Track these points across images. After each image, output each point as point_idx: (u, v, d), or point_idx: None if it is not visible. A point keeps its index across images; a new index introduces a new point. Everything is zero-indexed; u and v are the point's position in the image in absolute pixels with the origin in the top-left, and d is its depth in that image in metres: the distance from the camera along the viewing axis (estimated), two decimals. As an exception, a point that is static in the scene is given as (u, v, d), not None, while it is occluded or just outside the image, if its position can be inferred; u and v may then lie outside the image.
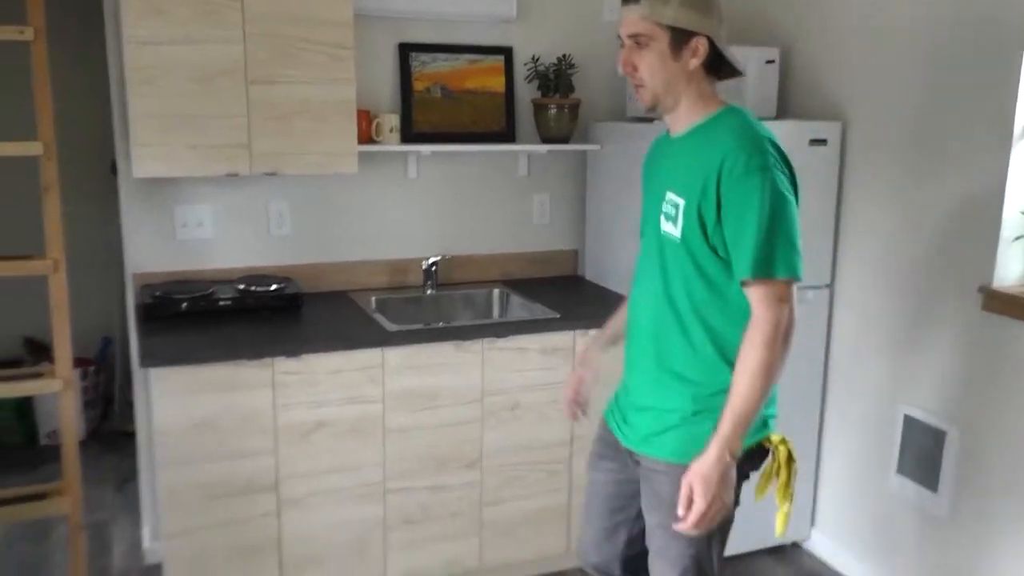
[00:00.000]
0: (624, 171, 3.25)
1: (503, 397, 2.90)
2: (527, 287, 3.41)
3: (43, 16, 2.48)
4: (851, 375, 3.17)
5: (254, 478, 2.64)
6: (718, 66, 1.86)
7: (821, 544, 3.34)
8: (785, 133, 2.99)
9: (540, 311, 3.05)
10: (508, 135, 3.40)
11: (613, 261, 3.37)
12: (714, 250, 1.77)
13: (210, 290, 2.92)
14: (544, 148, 3.36)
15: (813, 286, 3.18)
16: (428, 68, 3.28)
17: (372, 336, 2.74)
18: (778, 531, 1.88)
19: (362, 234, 3.32)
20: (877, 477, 3.05)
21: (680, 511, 1.74)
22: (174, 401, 2.52)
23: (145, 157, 2.64)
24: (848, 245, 3.18)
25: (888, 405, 2.99)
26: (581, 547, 2.18)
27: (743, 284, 1.74)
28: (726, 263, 1.77)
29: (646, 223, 1.97)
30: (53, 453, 4.33)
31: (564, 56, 3.39)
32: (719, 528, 1.83)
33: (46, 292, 4.30)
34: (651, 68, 1.78)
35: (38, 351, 4.52)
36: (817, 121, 3.15)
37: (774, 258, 1.71)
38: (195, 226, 3.10)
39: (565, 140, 3.39)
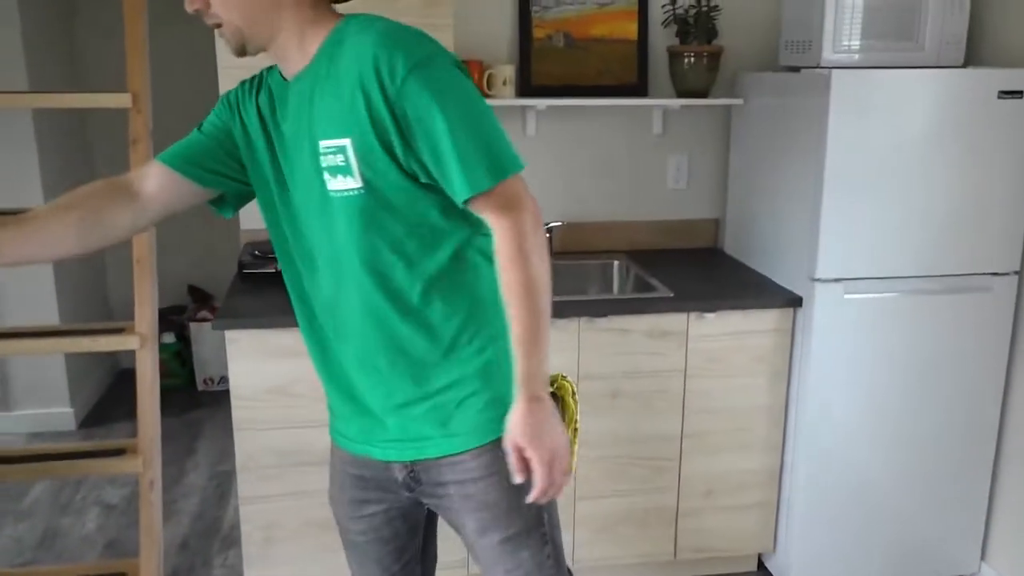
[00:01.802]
0: (774, 129, 2.80)
1: (602, 383, 2.60)
2: (655, 260, 3.05)
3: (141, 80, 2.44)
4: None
5: (326, 450, 2.52)
6: None
7: (991, 581, 2.80)
8: (960, 84, 2.51)
9: (654, 288, 2.71)
10: (640, 88, 3.04)
11: (759, 234, 2.94)
12: (414, 178, 1.39)
13: (308, 250, 2.82)
14: (678, 103, 2.96)
15: (996, 272, 2.62)
16: (550, 14, 2.98)
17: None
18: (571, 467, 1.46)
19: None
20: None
21: (519, 478, 1.36)
22: (248, 364, 2.45)
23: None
24: (1046, 225, 2.58)
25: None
26: None
27: (469, 201, 1.36)
28: (429, 188, 1.39)
29: (290, 197, 1.49)
30: (210, 397, 4.54)
31: (708, -3, 2.98)
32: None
33: (209, 241, 4.48)
34: (228, 2, 1.37)
35: (201, 298, 4.73)
36: (1012, 69, 2.54)
37: (496, 153, 1.35)
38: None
39: (703, 94, 2.98)
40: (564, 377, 1.63)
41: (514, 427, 1.35)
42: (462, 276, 1.48)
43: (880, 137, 2.49)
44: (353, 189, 1.37)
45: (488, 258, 1.47)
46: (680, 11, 2.97)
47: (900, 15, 2.68)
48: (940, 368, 2.66)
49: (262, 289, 2.67)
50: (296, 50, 1.42)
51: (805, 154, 2.59)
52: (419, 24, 2.52)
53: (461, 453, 1.52)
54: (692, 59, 2.92)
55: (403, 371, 1.49)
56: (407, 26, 1.38)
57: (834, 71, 2.45)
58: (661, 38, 3.03)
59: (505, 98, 2.90)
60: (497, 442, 1.44)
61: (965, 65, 2.71)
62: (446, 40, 2.59)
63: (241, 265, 2.76)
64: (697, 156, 3.19)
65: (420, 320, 1.46)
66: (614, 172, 3.16)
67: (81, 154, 4.45)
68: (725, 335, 2.64)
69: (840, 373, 2.61)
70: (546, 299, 1.37)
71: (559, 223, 3.05)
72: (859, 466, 2.68)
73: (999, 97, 2.51)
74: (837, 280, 2.56)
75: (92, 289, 4.55)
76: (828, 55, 2.65)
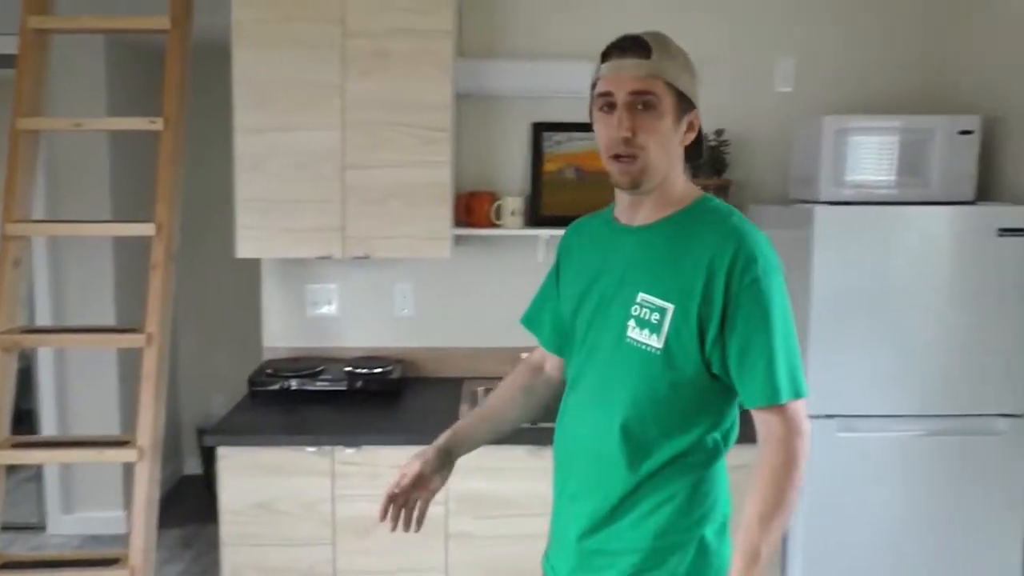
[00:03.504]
0: (784, 261, 2.78)
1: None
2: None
3: (176, 108, 2.71)
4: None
5: (312, 569, 2.58)
6: (692, 150, 1.55)
7: None
8: (958, 221, 2.45)
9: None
10: (650, 219, 3.09)
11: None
12: (707, 365, 1.44)
13: (318, 369, 2.95)
14: (683, 234, 2.99)
15: (1006, 413, 2.48)
16: (562, 148, 3.10)
17: (437, 431, 2.57)
18: None
19: (488, 319, 3.19)
20: None
21: None
22: (238, 479, 2.55)
23: (247, 239, 2.75)
24: (1058, 367, 2.44)
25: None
26: None
27: (761, 408, 1.42)
28: (714, 380, 1.46)
29: (587, 325, 1.58)
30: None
31: (718, 132, 3.04)
32: None
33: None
34: (657, 135, 1.45)
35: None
36: (1013, 206, 2.47)
37: (797, 376, 1.42)
38: (324, 304, 3.17)
39: (711, 226, 3.00)
40: None
41: None
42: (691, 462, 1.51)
43: (869, 272, 2.44)
44: (653, 347, 1.46)
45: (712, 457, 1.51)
46: (689, 145, 3.03)
47: (905, 152, 2.66)
48: (949, 515, 2.50)
49: (268, 407, 2.80)
50: (658, 201, 1.52)
51: (793, 285, 2.55)
52: (420, 161, 2.72)
53: None
54: (698, 192, 2.96)
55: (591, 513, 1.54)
56: (758, 230, 1.49)
57: (817, 206, 2.46)
58: (671, 171, 3.09)
59: (511, 228, 3.00)
60: None
61: (975, 201, 2.65)
62: (444, 175, 2.74)
63: (251, 383, 2.90)
64: (710, 286, 3.18)
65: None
66: (626, 300, 3.18)
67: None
68: (715, 471, 2.56)
69: (836, 515, 2.48)
70: (782, 522, 1.39)
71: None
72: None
73: (999, 235, 2.43)
74: (829, 416, 2.47)
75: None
76: (829, 190, 2.65)
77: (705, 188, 2.93)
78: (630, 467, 1.49)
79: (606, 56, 1.50)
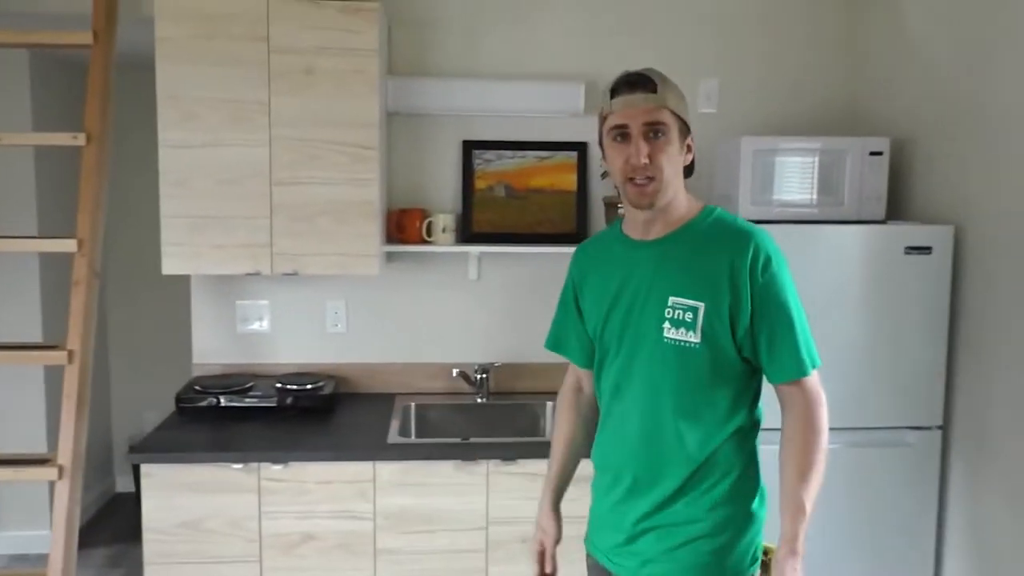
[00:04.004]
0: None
1: (512, 528, 2.60)
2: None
3: (99, 123, 2.68)
4: (973, 533, 2.49)
5: (237, 586, 2.56)
6: (686, 168, 1.76)
7: None
8: (873, 238, 2.56)
9: (573, 433, 2.72)
10: (580, 236, 3.15)
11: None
12: (739, 350, 1.67)
13: (247, 386, 2.94)
14: (610, 251, 3.05)
15: (917, 426, 2.57)
16: (492, 166, 3.14)
17: (365, 447, 2.59)
18: None
19: (420, 336, 3.21)
20: None
21: None
22: (162, 497, 2.53)
23: (173, 255, 2.73)
24: (965, 378, 2.54)
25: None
26: None
27: (788, 383, 1.66)
28: (744, 363, 1.69)
29: (619, 335, 1.75)
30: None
31: (645, 151, 3.11)
32: None
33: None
34: (671, 160, 1.67)
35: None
36: (918, 225, 2.58)
37: (813, 350, 1.68)
38: (255, 321, 3.16)
39: (638, 242, 3.06)
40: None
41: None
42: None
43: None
44: (692, 342, 1.65)
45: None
46: (616, 164, 3.10)
47: (821, 172, 2.76)
48: (861, 526, 2.58)
49: (196, 424, 2.78)
50: (669, 215, 1.71)
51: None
52: (349, 179, 2.73)
53: None
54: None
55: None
56: (762, 229, 1.70)
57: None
58: (601, 189, 3.16)
59: (443, 244, 3.03)
60: None
61: (885, 221, 2.75)
62: (372, 193, 2.76)
63: (179, 400, 2.88)
64: (638, 301, 3.24)
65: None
66: (557, 315, 3.23)
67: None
68: (638, 483, 2.62)
69: (755, 526, 2.54)
70: (819, 481, 1.62)
71: (490, 363, 3.12)
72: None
73: (905, 253, 2.53)
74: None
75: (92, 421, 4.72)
76: (747, 208, 2.73)
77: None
78: (692, 451, 1.67)
79: (615, 91, 1.68)
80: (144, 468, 2.52)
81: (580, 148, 3.15)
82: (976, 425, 2.49)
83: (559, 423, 1.98)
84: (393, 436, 2.67)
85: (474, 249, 3.05)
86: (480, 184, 3.14)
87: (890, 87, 2.97)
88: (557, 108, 3.09)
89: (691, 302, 1.65)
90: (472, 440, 2.68)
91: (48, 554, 2.43)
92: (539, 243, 3.11)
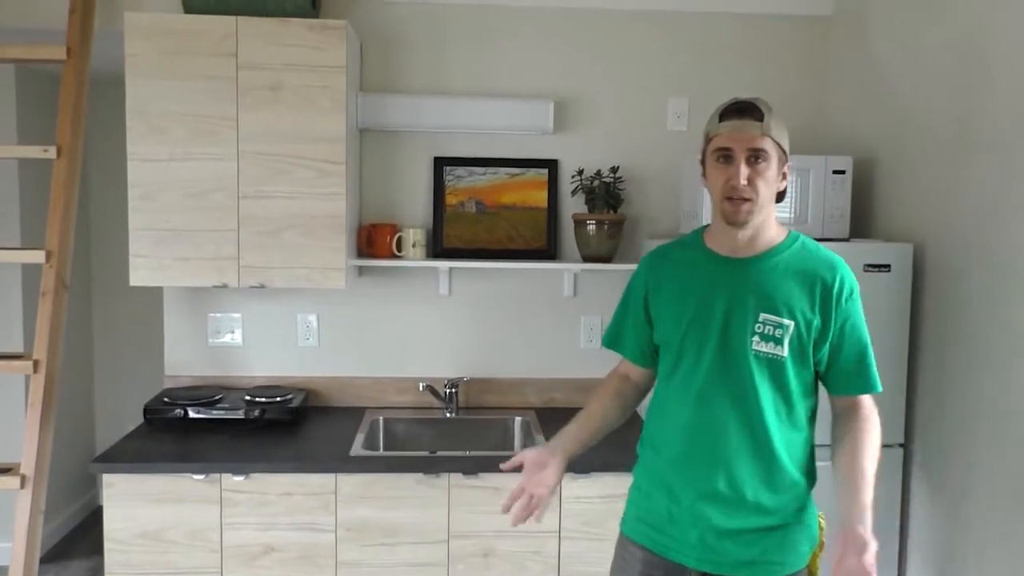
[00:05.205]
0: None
1: (473, 541, 2.61)
2: (562, 418, 3.07)
3: (71, 136, 2.72)
4: (935, 550, 2.49)
5: (198, 597, 2.57)
6: (778, 195, 1.90)
7: None
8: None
9: (537, 445, 2.73)
10: (549, 252, 3.17)
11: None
12: (816, 365, 1.85)
13: (216, 397, 2.96)
14: (578, 267, 3.08)
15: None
16: (463, 183, 3.17)
17: (328, 459, 2.60)
18: None
19: (391, 350, 3.23)
20: None
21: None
22: (123, 508, 2.55)
23: (140, 267, 2.76)
24: (925, 396, 2.54)
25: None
26: None
27: (855, 395, 1.87)
28: (815, 379, 1.88)
29: (701, 342, 1.85)
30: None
31: (613, 168, 3.14)
32: None
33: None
34: (768, 184, 1.80)
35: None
36: (877, 243, 2.59)
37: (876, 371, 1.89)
38: (227, 333, 3.18)
39: (607, 259, 3.09)
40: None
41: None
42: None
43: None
44: (779, 355, 1.81)
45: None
46: (587, 182, 3.13)
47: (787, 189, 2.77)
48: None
49: (162, 435, 2.79)
50: (760, 236, 1.84)
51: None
52: (316, 193, 2.76)
53: None
54: (594, 226, 3.05)
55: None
56: (839, 257, 1.88)
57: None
58: (570, 206, 3.18)
59: (414, 259, 3.06)
60: None
61: (849, 238, 2.76)
62: (339, 207, 2.78)
63: (147, 411, 2.90)
64: (609, 317, 3.26)
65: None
66: (527, 331, 3.25)
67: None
68: (599, 498, 2.63)
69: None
70: (874, 471, 1.79)
71: (460, 378, 3.14)
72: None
73: (865, 270, 2.55)
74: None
75: (76, 432, 4.74)
76: (712, 225, 2.75)
77: (600, 223, 3.05)
78: (779, 447, 1.82)
79: (723, 116, 1.81)
80: (106, 478, 2.54)
81: (551, 165, 3.18)
82: (937, 442, 2.49)
83: (600, 394, 2.08)
84: (357, 449, 2.68)
85: (444, 264, 3.07)
86: (451, 200, 3.17)
87: (855, 109, 3.00)
88: (526, 125, 3.12)
89: (782, 320, 1.80)
90: (436, 454, 2.69)
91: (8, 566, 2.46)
92: (509, 259, 3.14)
